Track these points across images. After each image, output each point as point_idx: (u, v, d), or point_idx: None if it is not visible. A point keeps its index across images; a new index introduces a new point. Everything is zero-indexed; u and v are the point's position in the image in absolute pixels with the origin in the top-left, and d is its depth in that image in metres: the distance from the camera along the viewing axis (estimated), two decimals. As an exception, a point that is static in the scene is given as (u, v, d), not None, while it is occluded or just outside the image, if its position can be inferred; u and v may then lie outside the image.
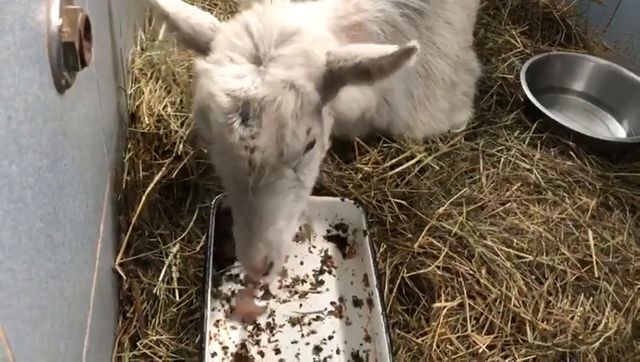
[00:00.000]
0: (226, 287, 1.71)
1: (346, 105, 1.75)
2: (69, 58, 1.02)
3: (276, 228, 1.44)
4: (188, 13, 1.46)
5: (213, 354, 1.55)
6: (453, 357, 1.60)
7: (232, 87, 1.30)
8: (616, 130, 2.53)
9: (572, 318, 1.69)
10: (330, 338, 1.62)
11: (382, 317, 1.55)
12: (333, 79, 1.38)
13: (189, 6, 1.49)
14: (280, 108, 1.28)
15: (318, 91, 1.35)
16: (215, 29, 1.45)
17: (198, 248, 1.76)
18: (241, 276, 1.73)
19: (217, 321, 1.63)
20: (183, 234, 1.77)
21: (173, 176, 1.84)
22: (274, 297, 1.70)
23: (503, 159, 2.15)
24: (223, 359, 1.56)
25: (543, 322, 1.67)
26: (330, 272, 1.78)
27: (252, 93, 1.28)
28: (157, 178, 1.80)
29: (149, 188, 1.77)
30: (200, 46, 1.45)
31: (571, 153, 2.23)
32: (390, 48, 1.29)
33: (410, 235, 1.83)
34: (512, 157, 2.17)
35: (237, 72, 1.32)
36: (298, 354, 1.58)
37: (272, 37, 1.35)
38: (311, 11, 1.64)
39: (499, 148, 2.22)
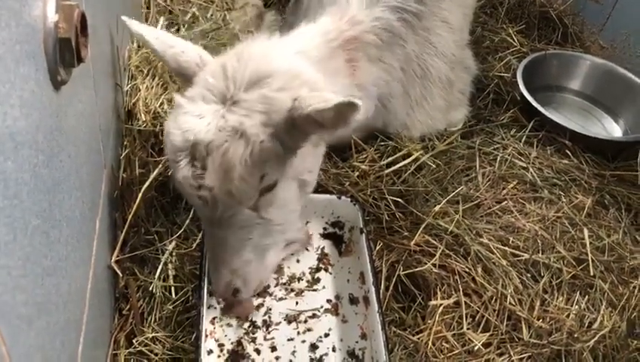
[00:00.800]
0: (222, 285, 1.70)
1: None
2: (65, 54, 1.01)
3: (241, 258, 1.48)
4: (176, 50, 1.48)
5: (210, 352, 1.55)
6: (449, 354, 1.60)
7: (187, 127, 1.32)
8: (613, 129, 2.54)
9: (567, 316, 1.69)
10: (327, 335, 1.62)
11: (378, 314, 1.55)
12: (294, 125, 1.34)
13: (178, 41, 1.50)
14: (226, 154, 1.29)
15: (277, 139, 1.33)
16: (201, 65, 1.47)
17: (194, 245, 1.75)
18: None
19: (213, 319, 1.63)
20: (179, 232, 1.77)
21: (170, 173, 1.84)
22: (270, 295, 1.70)
23: (499, 157, 2.16)
24: (219, 356, 1.56)
25: (538, 320, 1.67)
26: (326, 270, 1.78)
27: (201, 136, 1.30)
28: (153, 175, 1.80)
29: (145, 186, 1.76)
30: (187, 79, 1.48)
31: (567, 151, 2.24)
32: (331, 100, 1.24)
33: (406, 233, 1.83)
34: (509, 155, 2.17)
35: (200, 112, 1.35)
36: (294, 351, 1.58)
37: (243, 79, 1.36)
38: (297, 44, 1.62)
39: (495, 146, 2.22)
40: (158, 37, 1.49)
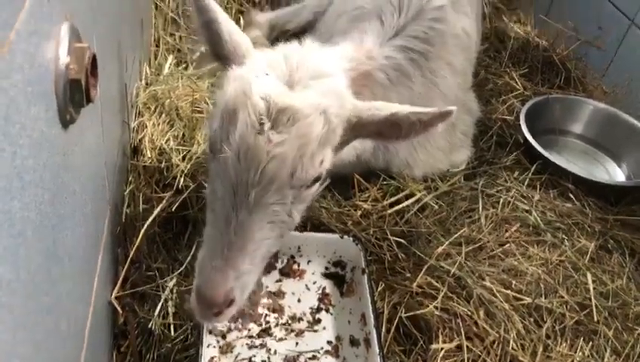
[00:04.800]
0: (222, 323, 1.69)
1: (343, 151, 1.73)
2: (74, 94, 1.03)
3: (252, 260, 1.36)
4: (231, 27, 1.49)
5: (207, 392, 1.53)
6: (451, 400, 1.58)
7: (269, 93, 1.31)
8: (615, 173, 2.55)
9: (571, 363, 1.67)
10: (326, 378, 1.60)
11: (379, 357, 1.53)
12: (352, 128, 1.42)
13: (232, 22, 1.52)
14: (309, 126, 1.30)
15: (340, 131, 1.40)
16: (249, 53, 1.49)
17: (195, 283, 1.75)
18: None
19: (212, 358, 1.61)
20: (181, 269, 1.77)
21: (173, 209, 1.85)
22: (270, 335, 1.68)
23: (502, 200, 2.16)
24: (217, 397, 1.54)
25: (541, 366, 1.65)
26: (327, 310, 1.77)
27: (288, 102, 1.30)
28: (156, 211, 1.81)
29: (148, 222, 1.77)
30: (229, 61, 1.47)
31: (570, 195, 2.24)
32: (430, 109, 1.35)
33: (408, 274, 1.82)
34: (512, 197, 2.17)
35: (275, 83, 1.35)
36: (293, 393, 1.56)
37: (307, 70, 1.39)
38: (333, 61, 1.65)
39: (498, 188, 2.22)
40: (221, 11, 1.49)
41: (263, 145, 1.27)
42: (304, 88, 1.36)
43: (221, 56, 1.51)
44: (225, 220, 1.33)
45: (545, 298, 1.82)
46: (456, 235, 1.96)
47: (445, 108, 1.35)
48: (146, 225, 1.76)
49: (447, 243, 1.93)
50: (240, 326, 1.69)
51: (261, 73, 1.38)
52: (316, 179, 1.40)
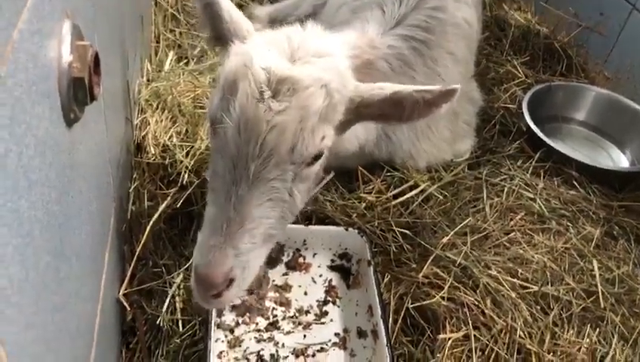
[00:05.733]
0: (230, 318, 1.70)
1: (346, 138, 1.74)
2: (78, 93, 1.03)
3: (252, 238, 1.31)
4: (231, 8, 1.50)
5: (217, 387, 1.54)
6: (459, 389, 1.58)
7: (270, 64, 1.30)
8: (619, 160, 2.54)
9: (579, 350, 1.67)
10: (335, 370, 1.60)
11: (387, 348, 1.54)
12: (355, 108, 1.41)
13: (232, 4, 1.52)
14: (309, 98, 1.29)
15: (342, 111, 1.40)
16: (250, 33, 1.49)
17: (202, 278, 1.75)
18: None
19: (220, 352, 1.62)
20: (187, 264, 1.77)
21: (178, 205, 1.85)
22: (278, 328, 1.69)
23: (506, 188, 2.16)
24: (227, 391, 1.55)
25: (549, 354, 1.65)
26: (334, 303, 1.77)
27: (288, 72, 1.29)
28: (162, 208, 1.81)
29: (154, 218, 1.77)
30: (226, 41, 1.47)
31: (574, 182, 2.24)
32: (434, 87, 1.34)
33: (414, 265, 1.83)
34: (516, 186, 2.17)
35: (276, 56, 1.34)
36: (302, 386, 1.57)
37: (309, 49, 1.38)
38: (336, 45, 1.65)
39: (502, 177, 2.22)
40: None
41: (263, 114, 1.26)
42: (305, 63, 1.36)
43: (222, 37, 1.50)
44: (224, 197, 1.30)
45: (551, 285, 1.82)
46: (461, 225, 1.97)
47: (449, 87, 1.34)
48: (151, 222, 1.76)
49: (452, 233, 1.93)
50: (248, 320, 1.69)
51: (263, 48, 1.37)
52: (317, 157, 1.38)
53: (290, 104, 1.27)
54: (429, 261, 1.82)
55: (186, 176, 1.89)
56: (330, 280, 1.83)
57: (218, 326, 1.66)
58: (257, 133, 1.27)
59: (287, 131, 1.27)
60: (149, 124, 2.03)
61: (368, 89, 1.43)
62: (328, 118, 1.35)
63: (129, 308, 1.64)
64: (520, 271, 1.85)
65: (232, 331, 1.67)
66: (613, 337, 1.72)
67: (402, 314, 1.72)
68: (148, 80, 2.25)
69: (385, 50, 1.85)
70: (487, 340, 1.67)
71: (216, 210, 1.31)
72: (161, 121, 2.06)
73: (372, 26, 1.88)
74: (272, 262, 1.83)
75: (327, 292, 1.80)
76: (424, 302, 1.72)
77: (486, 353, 1.65)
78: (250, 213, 1.29)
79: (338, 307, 1.76)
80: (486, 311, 1.71)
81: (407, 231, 1.91)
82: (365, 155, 2.04)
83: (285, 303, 1.75)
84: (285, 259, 1.87)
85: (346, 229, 1.87)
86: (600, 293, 1.81)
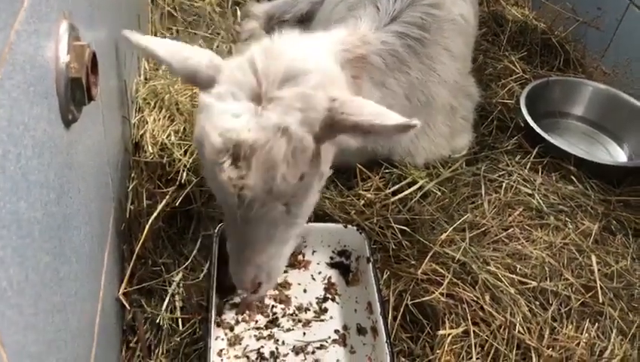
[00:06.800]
0: (230, 316, 1.70)
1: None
2: (76, 93, 1.03)
3: (266, 253, 1.49)
4: (183, 55, 1.45)
5: (217, 385, 1.55)
6: (459, 385, 1.59)
7: (226, 127, 1.30)
8: (617, 154, 2.54)
9: (578, 345, 1.68)
10: (335, 367, 1.61)
11: (386, 345, 1.54)
12: (332, 125, 1.36)
13: (184, 47, 1.48)
14: (270, 152, 1.28)
15: (314, 136, 1.35)
16: (215, 67, 1.44)
17: (201, 276, 1.75)
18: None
19: (220, 350, 1.62)
20: (187, 263, 1.77)
21: (177, 204, 1.85)
22: (278, 326, 1.69)
23: (504, 184, 2.16)
24: (227, 389, 1.55)
25: (548, 349, 1.66)
26: (333, 300, 1.77)
27: (243, 136, 1.28)
28: (160, 206, 1.81)
29: (153, 217, 1.77)
30: (202, 83, 1.44)
31: (573, 177, 2.24)
32: (392, 120, 1.30)
33: (413, 261, 1.83)
34: (514, 182, 2.18)
35: (235, 110, 1.33)
36: (302, 383, 1.57)
37: (276, 75, 1.35)
38: (320, 45, 1.65)
39: (500, 173, 2.23)
40: (164, 46, 1.46)
41: (228, 179, 1.31)
42: (269, 102, 1.33)
43: (196, 84, 1.49)
44: (231, 227, 1.49)
45: (550, 281, 1.83)
46: (459, 221, 1.97)
47: (408, 122, 1.29)
48: (150, 221, 1.76)
49: (450, 229, 1.93)
50: (247, 318, 1.70)
51: (227, 94, 1.35)
52: (301, 178, 1.39)
53: (251, 168, 1.29)
54: (428, 257, 1.82)
55: (185, 174, 1.89)
56: (330, 277, 1.84)
57: (218, 324, 1.66)
58: (230, 192, 1.33)
59: (257, 187, 1.31)
60: (147, 122, 2.03)
61: (339, 112, 1.36)
62: (300, 156, 1.33)
63: (129, 307, 1.64)
64: (519, 266, 1.85)
65: (231, 329, 1.67)
66: (612, 332, 1.73)
67: (401, 311, 1.72)
68: (145, 79, 2.25)
69: (378, 46, 1.84)
70: (487, 336, 1.67)
71: (231, 236, 1.51)
72: (159, 119, 2.06)
73: (365, 23, 1.88)
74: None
75: (326, 289, 1.80)
76: (423, 299, 1.72)
77: (485, 348, 1.66)
78: (254, 244, 1.47)
79: (337, 304, 1.76)
80: (485, 307, 1.72)
81: (405, 228, 1.91)
82: (368, 153, 2.05)
83: (285, 301, 1.75)
84: (284, 256, 1.87)
85: (345, 226, 1.87)
86: (599, 288, 1.81)
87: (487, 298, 1.74)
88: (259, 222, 1.41)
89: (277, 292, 1.77)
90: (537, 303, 1.77)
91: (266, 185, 1.31)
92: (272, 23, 2.82)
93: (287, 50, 1.43)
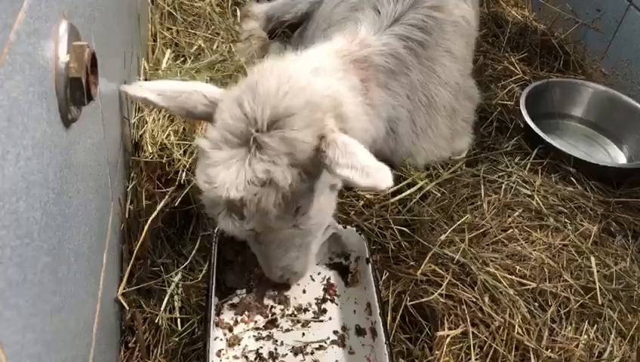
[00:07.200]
0: (228, 316, 1.70)
1: (359, 136, 1.71)
2: (75, 93, 1.03)
3: (288, 258, 1.62)
4: (181, 98, 1.50)
5: (216, 385, 1.55)
6: (458, 386, 1.59)
7: (217, 182, 1.37)
8: (617, 156, 2.55)
9: (577, 346, 1.68)
10: (334, 367, 1.61)
11: (385, 346, 1.54)
12: (321, 162, 1.38)
13: (181, 87, 1.52)
14: (260, 203, 1.36)
15: (305, 174, 1.39)
16: (210, 103, 1.49)
17: (200, 277, 1.75)
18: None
19: (219, 351, 1.62)
20: (186, 263, 1.77)
21: (176, 204, 1.85)
22: (277, 326, 1.69)
23: (504, 185, 2.16)
24: (226, 390, 1.55)
25: (547, 350, 1.66)
26: (332, 301, 1.77)
27: (232, 194, 1.35)
28: (159, 206, 1.81)
29: (152, 217, 1.77)
30: (203, 119, 1.54)
31: (572, 179, 2.24)
32: (364, 180, 1.29)
33: (412, 262, 1.83)
34: (513, 183, 2.18)
35: (226, 161, 1.38)
36: (301, 384, 1.57)
37: (262, 119, 1.37)
38: (312, 61, 1.67)
39: (500, 174, 2.23)
40: (161, 92, 1.51)
41: (232, 227, 1.42)
42: (257, 150, 1.36)
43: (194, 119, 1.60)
44: (252, 244, 1.65)
45: (549, 282, 1.83)
46: (459, 222, 1.97)
47: (377, 186, 1.28)
48: (149, 221, 1.76)
49: (450, 230, 1.93)
50: (246, 319, 1.70)
51: (220, 140, 1.40)
52: (297, 210, 1.48)
53: (245, 216, 1.39)
54: (427, 258, 1.82)
55: (184, 174, 1.89)
56: (329, 278, 1.83)
57: (217, 324, 1.66)
58: (233, 231, 1.45)
59: (256, 227, 1.43)
60: (147, 123, 2.03)
61: (323, 152, 1.37)
62: (294, 197, 1.39)
63: (128, 308, 1.64)
64: (518, 267, 1.85)
65: (230, 329, 1.67)
66: (611, 333, 1.73)
67: (401, 312, 1.72)
68: (145, 79, 2.24)
69: (379, 47, 1.87)
70: (486, 337, 1.67)
71: (254, 248, 1.65)
72: (159, 119, 2.06)
73: (364, 27, 1.90)
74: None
75: (325, 290, 1.80)
76: (422, 300, 1.72)
77: (484, 350, 1.66)
78: (272, 256, 1.61)
79: (336, 305, 1.76)
80: (484, 308, 1.72)
81: (405, 229, 1.91)
82: (375, 153, 2.04)
83: (284, 301, 1.75)
84: (284, 257, 1.87)
85: (345, 227, 1.87)
86: (598, 290, 1.82)
87: (487, 299, 1.74)
88: (271, 243, 1.56)
89: (276, 292, 1.77)
90: (536, 304, 1.77)
91: (263, 226, 1.43)
92: (272, 24, 2.83)
93: (270, 90, 1.40)
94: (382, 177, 1.28)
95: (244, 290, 1.75)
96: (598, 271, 1.87)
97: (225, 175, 1.36)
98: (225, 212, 1.40)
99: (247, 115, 1.38)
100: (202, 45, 2.59)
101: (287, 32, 2.86)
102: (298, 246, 1.61)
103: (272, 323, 1.69)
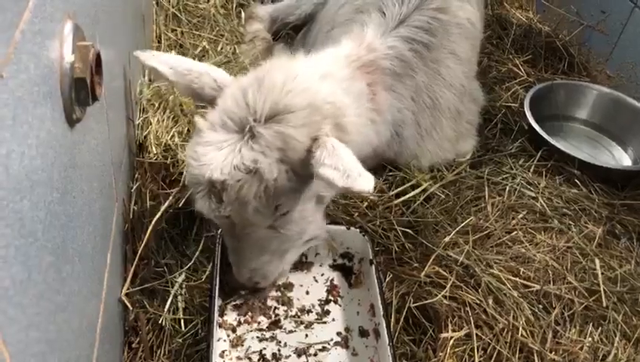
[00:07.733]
0: (232, 317, 1.70)
1: (357, 148, 1.64)
2: (80, 93, 1.03)
3: (259, 260, 1.59)
4: (191, 77, 1.52)
5: (219, 386, 1.54)
6: (461, 388, 1.58)
7: (204, 161, 1.37)
8: (621, 158, 2.54)
9: (581, 348, 1.67)
10: (337, 369, 1.61)
11: (389, 348, 1.54)
12: (309, 161, 1.38)
13: (193, 66, 1.53)
14: (240, 191, 1.36)
15: (293, 173, 1.39)
16: (217, 88, 1.51)
17: (203, 277, 1.75)
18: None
19: (223, 352, 1.62)
20: (189, 264, 1.77)
21: (180, 205, 1.86)
22: (280, 328, 1.69)
23: (508, 187, 2.16)
24: (229, 390, 1.55)
25: (551, 352, 1.65)
26: (335, 302, 1.77)
27: (216, 175, 1.36)
28: (163, 207, 1.81)
29: (156, 218, 1.78)
30: (206, 101, 1.53)
31: (576, 181, 2.24)
32: (343, 182, 1.29)
33: (416, 264, 1.83)
34: (518, 185, 2.17)
35: (219, 143, 1.39)
36: (304, 385, 1.57)
37: (262, 111, 1.38)
38: (322, 66, 1.67)
39: (504, 176, 2.22)
40: (172, 66, 1.53)
41: (209, 209, 1.42)
42: (250, 139, 1.37)
43: (199, 101, 1.59)
44: (224, 234, 1.62)
45: (553, 284, 1.82)
46: (463, 224, 1.96)
47: (364, 190, 1.30)
48: (153, 222, 1.76)
49: (454, 232, 1.93)
50: (250, 320, 1.70)
51: (218, 123, 1.41)
52: (283, 214, 1.47)
53: (224, 200, 1.39)
54: (431, 260, 1.82)
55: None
56: (332, 279, 1.83)
57: (220, 325, 1.66)
58: (213, 217, 1.46)
59: (232, 215, 1.42)
60: (151, 123, 2.03)
61: (314, 155, 1.36)
62: (273, 192, 1.38)
63: (131, 308, 1.64)
64: (522, 270, 1.85)
65: (234, 330, 1.67)
66: (616, 336, 1.72)
67: (404, 313, 1.72)
68: (149, 79, 2.25)
69: (385, 51, 1.86)
70: (489, 339, 1.67)
71: (228, 243, 1.62)
72: (163, 120, 2.06)
73: (371, 30, 1.89)
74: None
75: (328, 291, 1.80)
76: (426, 301, 1.72)
77: (488, 352, 1.65)
78: (245, 254, 1.58)
79: (340, 306, 1.76)
80: (488, 310, 1.71)
81: (409, 231, 1.91)
82: (378, 157, 2.05)
83: (287, 302, 1.75)
84: (287, 258, 1.87)
85: (348, 228, 1.87)
86: (602, 292, 1.81)
87: (490, 301, 1.73)
88: (246, 238, 1.52)
89: (279, 293, 1.77)
90: (540, 306, 1.76)
91: (239, 215, 1.41)
92: (277, 25, 2.83)
93: (277, 83, 1.42)
94: (361, 182, 1.29)
95: (247, 291, 1.75)
96: (602, 274, 1.87)
97: (213, 156, 1.37)
98: (205, 192, 1.40)
99: (248, 104, 1.40)
100: (207, 47, 2.60)
101: (292, 34, 2.86)
102: (273, 251, 1.59)
103: (275, 324, 1.69)
